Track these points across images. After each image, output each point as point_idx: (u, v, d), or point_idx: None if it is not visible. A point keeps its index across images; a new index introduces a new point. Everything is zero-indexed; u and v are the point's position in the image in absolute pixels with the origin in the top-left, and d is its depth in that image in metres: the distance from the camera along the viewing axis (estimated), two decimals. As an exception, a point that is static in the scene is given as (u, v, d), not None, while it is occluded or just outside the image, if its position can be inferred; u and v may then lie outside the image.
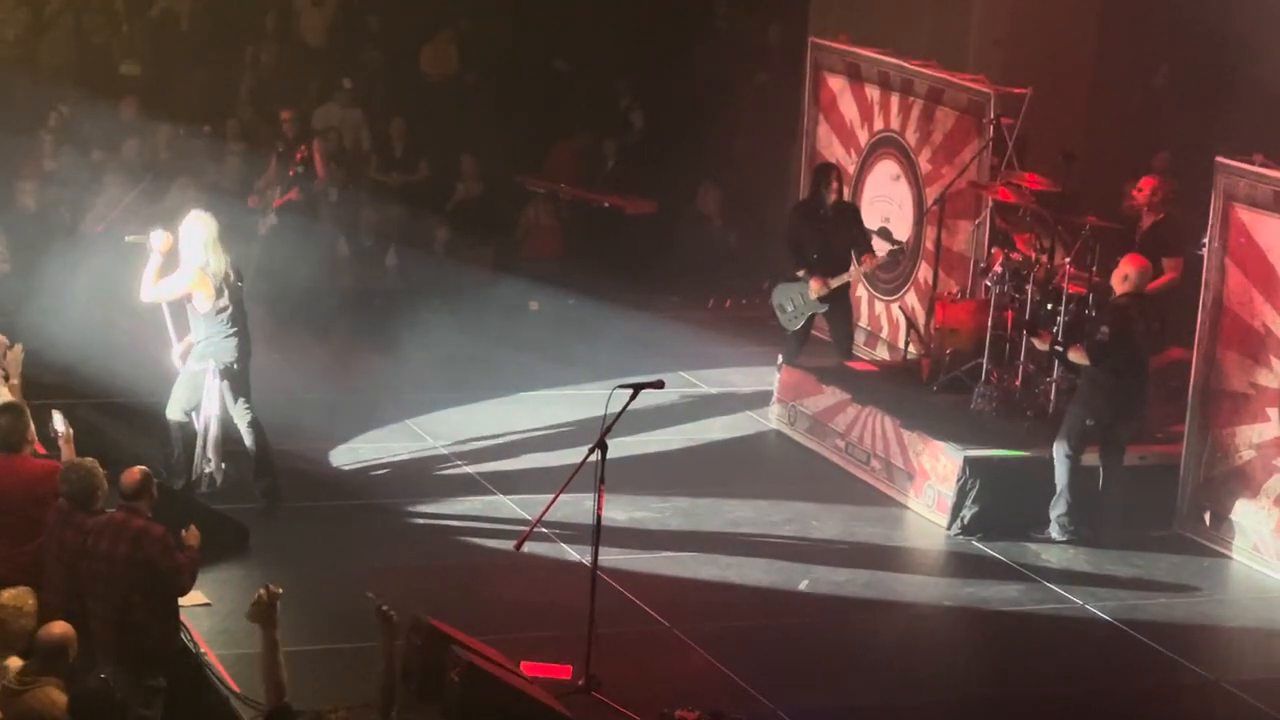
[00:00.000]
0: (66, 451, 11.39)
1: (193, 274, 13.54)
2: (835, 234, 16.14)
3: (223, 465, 13.90)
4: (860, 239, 16.34)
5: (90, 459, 10.56)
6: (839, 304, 16.40)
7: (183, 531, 10.48)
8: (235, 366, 13.74)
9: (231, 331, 13.69)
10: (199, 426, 13.79)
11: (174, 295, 13.70)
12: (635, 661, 11.74)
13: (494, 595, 12.69)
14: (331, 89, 21.91)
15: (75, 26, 22.66)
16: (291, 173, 18.95)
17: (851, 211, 16.57)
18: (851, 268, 16.26)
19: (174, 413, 13.84)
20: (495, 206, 20.78)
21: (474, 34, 23.53)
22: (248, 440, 13.89)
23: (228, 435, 13.94)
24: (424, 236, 19.91)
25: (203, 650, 11.16)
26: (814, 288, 16.15)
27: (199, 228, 13.55)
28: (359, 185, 20.73)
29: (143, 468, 10.42)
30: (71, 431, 11.46)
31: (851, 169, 18.03)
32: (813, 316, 16.41)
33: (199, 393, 13.73)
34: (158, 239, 13.59)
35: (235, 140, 20.62)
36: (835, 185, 16.20)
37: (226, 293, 13.60)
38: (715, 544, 13.81)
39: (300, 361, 17.17)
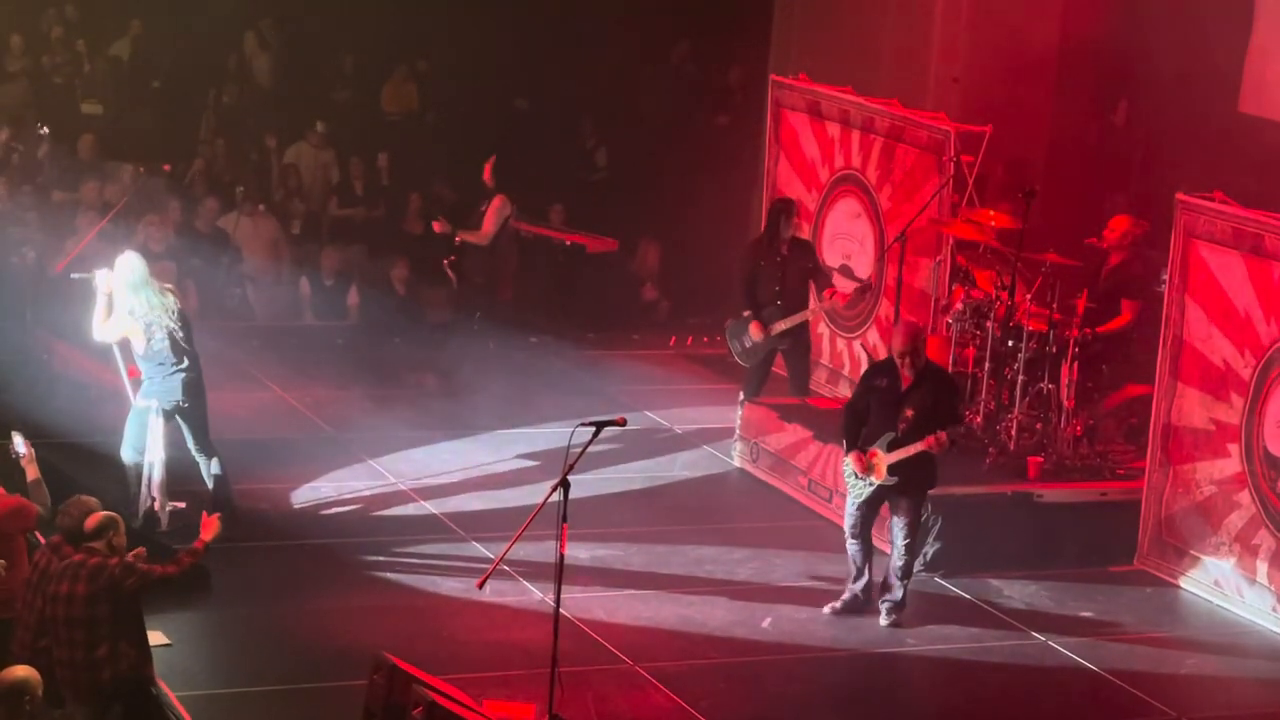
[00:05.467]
0: (30, 472, 11.37)
1: (122, 318, 13.52)
2: (791, 270, 16.11)
3: (169, 506, 13.82)
4: (817, 273, 16.33)
5: (93, 498, 10.55)
6: (797, 342, 16.36)
7: (205, 515, 10.52)
8: (184, 404, 13.70)
9: (173, 371, 13.63)
10: (144, 466, 13.75)
11: (114, 338, 13.71)
12: (598, 700, 11.71)
13: (457, 634, 12.65)
14: (299, 129, 21.93)
15: (35, 66, 22.65)
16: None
17: (806, 247, 16.52)
18: (812, 303, 16.27)
19: (127, 453, 13.80)
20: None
21: (434, 73, 23.59)
22: (206, 474, 13.85)
23: (179, 476, 13.89)
24: (385, 275, 19.89)
25: (163, 689, 11.10)
26: (752, 332, 16.16)
27: (124, 271, 13.52)
28: (319, 223, 20.75)
29: (108, 513, 10.39)
30: (33, 451, 11.44)
31: (813, 207, 18.05)
32: (772, 353, 16.39)
33: (146, 431, 13.69)
34: (102, 278, 13.57)
35: (202, 180, 20.61)
36: (794, 221, 16.17)
37: (160, 334, 13.54)
38: (678, 582, 13.79)
39: (262, 400, 17.16)
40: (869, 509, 13.21)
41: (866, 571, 13.30)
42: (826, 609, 13.31)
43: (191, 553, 10.44)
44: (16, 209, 19.29)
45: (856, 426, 13.18)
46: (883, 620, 13.18)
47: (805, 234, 17.26)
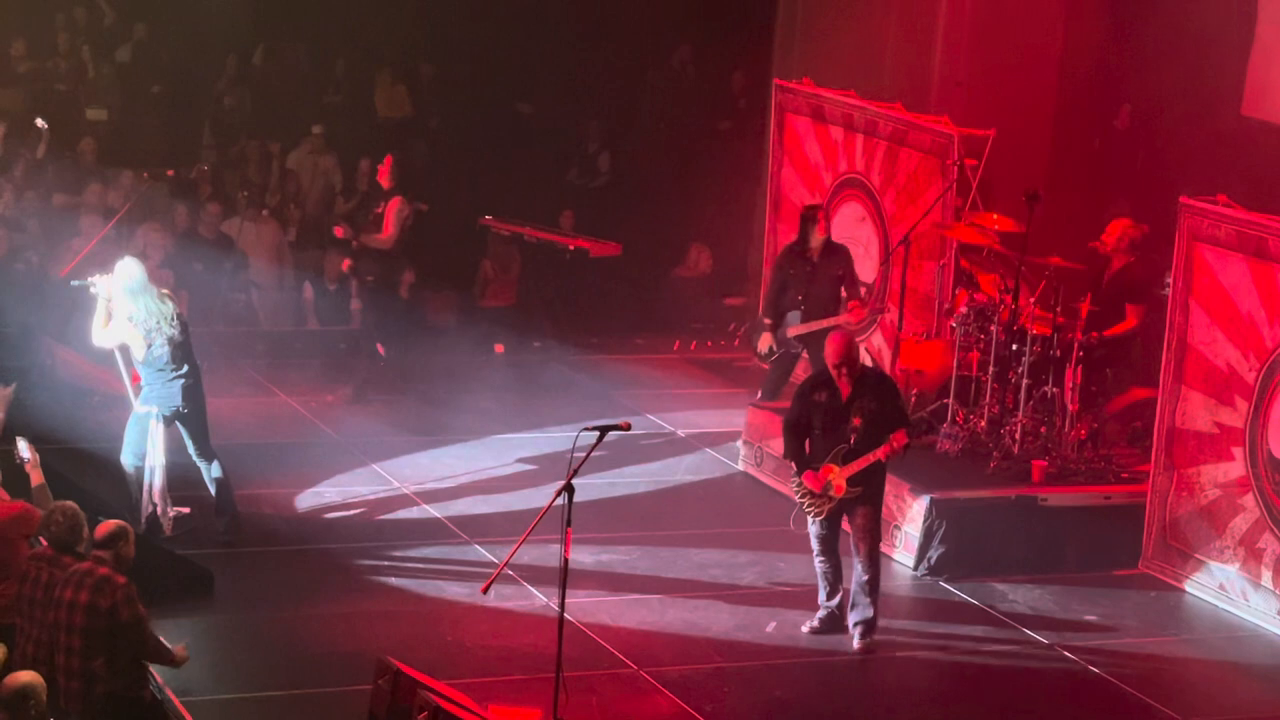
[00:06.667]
0: (35, 477, 11.38)
1: (121, 324, 13.52)
2: (819, 277, 16.03)
3: (172, 511, 13.81)
4: (848, 280, 16.14)
5: (71, 503, 10.56)
6: (819, 346, 16.22)
7: (180, 649, 10.52)
8: (184, 410, 13.69)
9: (173, 377, 13.62)
10: (145, 472, 13.73)
11: (113, 344, 13.71)
12: (603, 704, 11.71)
13: (461, 638, 12.64)
14: (301, 134, 21.93)
15: (40, 71, 22.67)
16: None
17: (839, 254, 16.16)
18: (840, 316, 16.02)
19: (127, 458, 13.79)
20: (462, 248, 20.78)
21: (438, 77, 23.61)
22: (207, 479, 13.85)
23: (183, 481, 13.89)
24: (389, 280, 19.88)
25: (167, 694, 11.11)
26: (762, 342, 16.12)
27: (121, 277, 13.51)
28: (322, 227, 20.73)
29: (119, 521, 10.41)
30: (37, 456, 11.45)
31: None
32: (793, 357, 16.29)
33: (146, 437, 13.69)
34: (102, 284, 13.57)
35: (204, 184, 20.62)
36: (822, 225, 16.04)
37: (160, 340, 13.53)
38: (682, 587, 13.79)
39: (266, 405, 17.16)
40: (833, 524, 12.83)
41: (840, 587, 12.95)
42: (805, 628, 13.03)
43: (171, 653, 10.47)
44: (21, 215, 19.31)
45: (801, 444, 12.82)
46: (856, 644, 12.79)
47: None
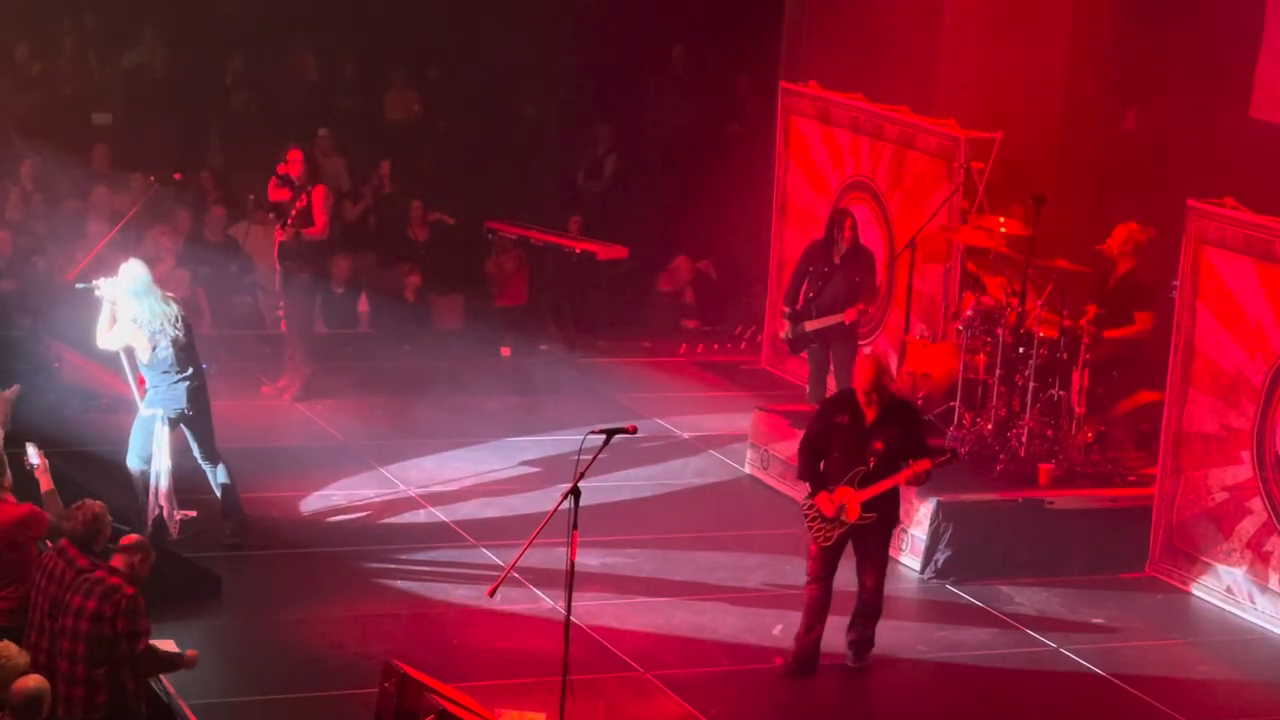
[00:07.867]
0: (44, 482, 11.39)
1: (126, 326, 13.51)
2: (836, 279, 16.03)
3: (179, 515, 13.81)
4: (862, 288, 16.10)
5: (100, 504, 10.55)
6: (844, 342, 16.24)
7: (189, 652, 10.51)
8: (189, 413, 13.67)
9: (178, 379, 13.60)
10: (150, 475, 13.73)
11: (117, 346, 13.70)
12: (609, 707, 11.70)
13: (467, 641, 12.65)
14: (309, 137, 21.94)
15: (45, 75, 22.67)
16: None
17: (862, 260, 16.16)
18: (836, 316, 16.07)
19: (133, 461, 13.79)
20: (469, 252, 20.79)
21: (441, 81, 23.62)
22: (213, 482, 13.86)
23: (190, 485, 13.89)
24: (396, 283, 19.90)
25: (173, 697, 11.11)
26: (781, 328, 16.28)
27: (125, 279, 13.50)
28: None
29: (140, 538, 10.41)
30: (47, 461, 11.45)
31: (823, 214, 18.01)
32: (820, 350, 16.31)
33: (152, 440, 13.68)
34: (106, 287, 13.57)
35: (211, 188, 20.62)
36: (847, 235, 16.00)
37: (164, 342, 13.52)
38: (689, 589, 13.79)
39: (273, 408, 17.17)
40: (835, 554, 12.36)
41: (820, 625, 12.44)
42: (779, 663, 12.48)
43: (180, 657, 10.48)
44: (29, 219, 19.32)
45: (816, 465, 12.41)
46: (851, 661, 12.60)
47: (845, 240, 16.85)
